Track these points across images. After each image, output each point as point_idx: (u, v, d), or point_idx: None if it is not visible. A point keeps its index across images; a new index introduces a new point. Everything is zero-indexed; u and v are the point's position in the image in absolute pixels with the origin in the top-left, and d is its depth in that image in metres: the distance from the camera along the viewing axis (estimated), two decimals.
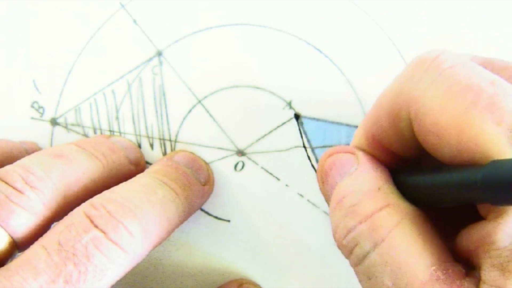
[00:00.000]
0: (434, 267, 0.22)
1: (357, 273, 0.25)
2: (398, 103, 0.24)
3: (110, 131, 0.35)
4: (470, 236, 0.22)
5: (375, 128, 0.26)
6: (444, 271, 0.22)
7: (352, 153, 0.27)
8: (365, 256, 0.24)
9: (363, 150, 0.27)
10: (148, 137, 0.34)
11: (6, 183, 0.26)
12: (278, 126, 0.33)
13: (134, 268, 0.27)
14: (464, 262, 0.23)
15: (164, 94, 0.34)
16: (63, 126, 0.35)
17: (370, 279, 0.24)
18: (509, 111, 0.21)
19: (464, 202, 0.23)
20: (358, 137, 0.28)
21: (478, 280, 0.22)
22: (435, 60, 0.23)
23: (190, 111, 0.34)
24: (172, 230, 0.29)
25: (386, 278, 0.23)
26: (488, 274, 0.21)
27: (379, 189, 0.25)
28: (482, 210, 0.22)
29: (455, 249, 0.24)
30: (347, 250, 0.25)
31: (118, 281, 0.26)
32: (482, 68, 0.23)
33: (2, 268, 0.24)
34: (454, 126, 0.22)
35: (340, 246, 0.25)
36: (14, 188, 0.26)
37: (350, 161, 0.27)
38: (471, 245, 0.22)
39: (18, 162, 0.28)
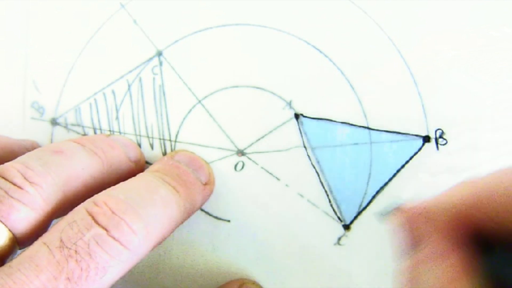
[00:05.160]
0: None
1: None
2: None
3: (110, 131, 0.35)
4: None
5: (480, 204, 0.23)
6: None
7: (422, 225, 0.25)
8: None
9: (447, 215, 0.25)
10: (148, 137, 0.34)
11: (5, 179, 0.26)
12: (278, 126, 0.33)
13: (134, 268, 0.27)
14: None
15: (164, 94, 0.34)
16: (63, 126, 0.35)
17: None
18: None
19: None
20: (451, 199, 0.25)
21: None
22: None
23: (190, 111, 0.34)
24: (173, 229, 0.29)
25: None
26: None
27: None
28: None
29: None
30: None
31: (118, 280, 0.26)
32: None
33: (4, 265, 0.24)
34: None
35: None
36: (13, 183, 0.26)
37: (420, 234, 0.25)
38: None
39: (17, 159, 0.28)
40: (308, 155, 0.33)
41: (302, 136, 0.33)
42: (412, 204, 0.26)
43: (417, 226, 0.25)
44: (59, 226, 0.25)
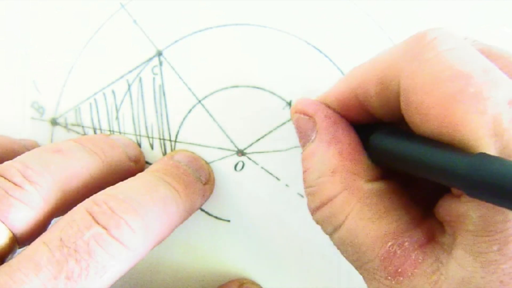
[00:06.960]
0: (390, 243, 0.24)
1: None
2: (389, 75, 0.24)
3: (110, 131, 0.35)
4: (448, 209, 0.23)
5: (359, 90, 0.26)
6: (400, 245, 0.23)
7: (311, 116, 0.28)
8: (329, 236, 0.26)
9: (333, 105, 0.28)
10: (148, 137, 0.34)
11: (5, 178, 0.26)
12: (278, 126, 0.33)
13: (133, 268, 0.26)
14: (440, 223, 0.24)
15: (164, 94, 0.34)
16: (63, 126, 0.35)
17: (341, 253, 0.26)
18: (495, 102, 0.21)
19: (437, 181, 0.22)
20: (335, 90, 0.28)
21: (451, 242, 0.23)
22: (433, 41, 0.23)
23: (190, 111, 0.34)
24: (173, 228, 0.29)
25: (350, 256, 0.25)
26: (464, 238, 0.22)
27: (333, 172, 0.26)
28: (454, 190, 0.23)
29: (435, 212, 0.24)
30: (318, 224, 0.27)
31: (117, 280, 0.26)
32: (478, 54, 0.23)
33: (3, 264, 0.24)
34: (439, 111, 0.22)
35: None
36: (13, 182, 0.26)
37: (310, 126, 0.28)
38: (448, 216, 0.23)
39: (16, 158, 0.28)
40: None
41: None
42: (300, 100, 0.29)
43: (306, 119, 0.28)
44: (58, 225, 0.25)
